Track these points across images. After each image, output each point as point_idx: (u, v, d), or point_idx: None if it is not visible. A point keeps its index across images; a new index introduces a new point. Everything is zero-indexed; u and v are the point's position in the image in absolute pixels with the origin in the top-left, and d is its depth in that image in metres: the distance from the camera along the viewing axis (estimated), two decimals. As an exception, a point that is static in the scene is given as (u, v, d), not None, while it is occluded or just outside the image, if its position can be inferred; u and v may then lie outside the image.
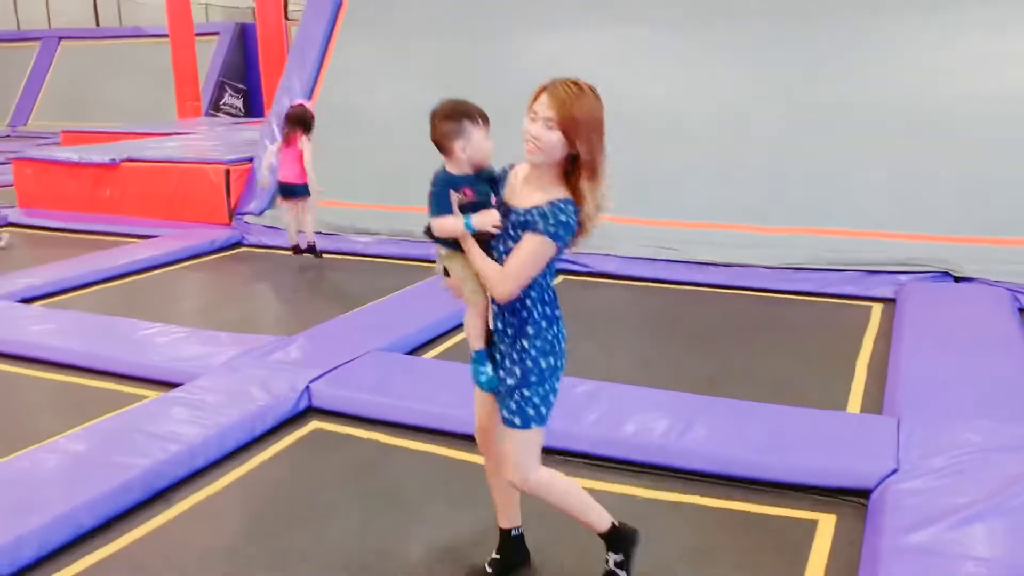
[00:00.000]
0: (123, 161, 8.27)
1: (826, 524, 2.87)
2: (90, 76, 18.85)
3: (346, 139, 7.90)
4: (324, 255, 6.74)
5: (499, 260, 2.21)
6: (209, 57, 17.59)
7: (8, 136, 17.93)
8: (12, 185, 9.22)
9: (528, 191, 2.20)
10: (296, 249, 6.56)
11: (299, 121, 6.25)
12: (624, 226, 6.56)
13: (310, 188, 6.36)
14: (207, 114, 16.37)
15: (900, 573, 2.38)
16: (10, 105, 19.48)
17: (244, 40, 18.48)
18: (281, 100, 8.35)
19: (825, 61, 6.70)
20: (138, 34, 19.15)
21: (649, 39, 7.47)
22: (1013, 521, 2.61)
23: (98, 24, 21.56)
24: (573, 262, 6.18)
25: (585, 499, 2.41)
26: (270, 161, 6.46)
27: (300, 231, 6.58)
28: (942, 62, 6.35)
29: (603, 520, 2.41)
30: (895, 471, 2.97)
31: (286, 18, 14.42)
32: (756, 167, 6.54)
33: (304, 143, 6.24)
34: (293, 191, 6.35)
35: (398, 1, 8.63)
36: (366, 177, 7.75)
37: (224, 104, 18.09)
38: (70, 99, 18.78)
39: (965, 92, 6.20)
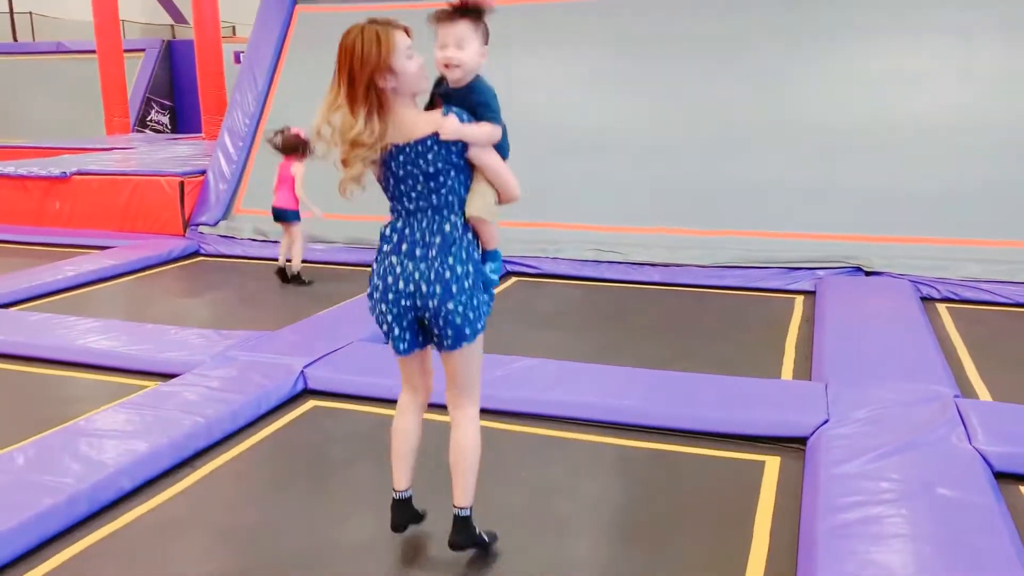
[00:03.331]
0: (74, 174, 8.39)
1: (772, 464, 3.41)
2: (9, 92, 18.47)
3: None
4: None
5: (407, 197, 2.30)
6: (135, 74, 17.52)
7: (-78, 152, 17.42)
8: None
9: (411, 122, 2.25)
10: (281, 274, 6.62)
11: (292, 148, 6.37)
12: (570, 231, 7.13)
13: (301, 212, 6.45)
14: (134, 130, 16.31)
15: (835, 492, 2.92)
16: (-75, 122, 18.91)
17: (171, 57, 18.46)
18: (233, 115, 8.63)
19: (752, 82, 7.39)
20: (59, 50, 18.87)
21: (590, 61, 8.05)
22: (920, 454, 3.19)
23: (15, 39, 21.13)
24: (525, 264, 6.67)
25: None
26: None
27: (288, 260, 6.60)
28: (853, 84, 7.10)
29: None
30: (827, 421, 3.53)
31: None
32: (689, 178, 7.17)
33: (297, 168, 6.40)
34: (284, 216, 6.49)
35: (345, 21, 8.98)
36: (319, 188, 8.07)
37: (151, 120, 18.01)
38: (-12, 115, 18.37)
39: (873, 111, 6.96)
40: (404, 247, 2.31)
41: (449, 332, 2.34)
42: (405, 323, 2.39)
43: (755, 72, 7.42)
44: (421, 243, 2.30)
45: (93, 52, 14.89)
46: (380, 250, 2.40)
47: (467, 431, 2.50)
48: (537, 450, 3.56)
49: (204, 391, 3.91)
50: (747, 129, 7.21)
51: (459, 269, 2.30)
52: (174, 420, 3.59)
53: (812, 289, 6.00)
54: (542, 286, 6.45)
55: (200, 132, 13.83)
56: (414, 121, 2.25)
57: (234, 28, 20.94)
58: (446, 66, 2.29)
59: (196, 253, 7.74)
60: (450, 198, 2.29)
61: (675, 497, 3.16)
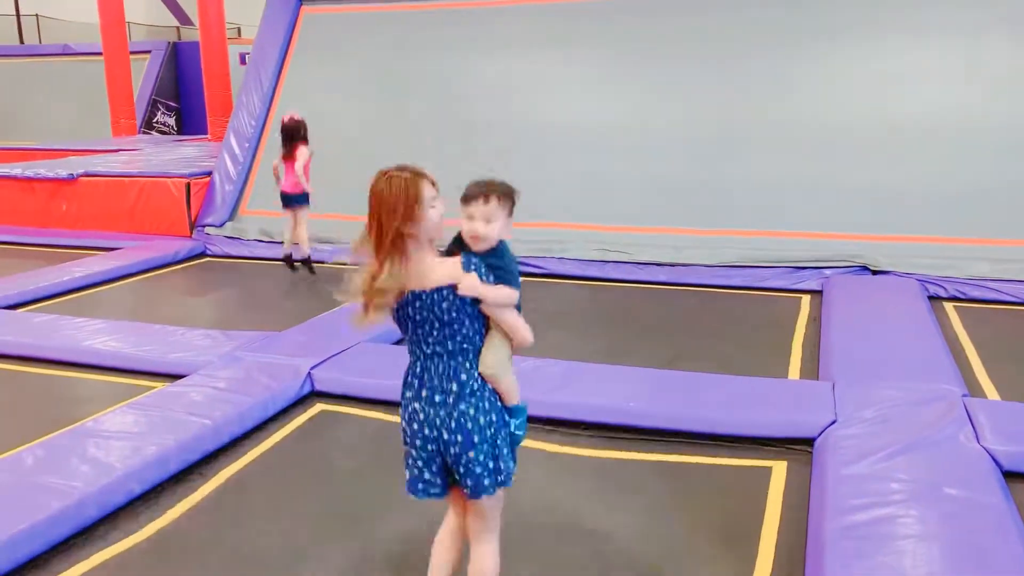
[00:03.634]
0: (81, 175, 8.42)
1: (779, 469, 3.40)
2: (15, 94, 18.54)
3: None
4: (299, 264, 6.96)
5: (427, 344, 2.29)
6: (141, 75, 17.58)
7: (-71, 154, 17.50)
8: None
9: (428, 269, 2.26)
10: (288, 260, 6.69)
11: (297, 133, 6.51)
12: (576, 231, 7.13)
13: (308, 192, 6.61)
14: (140, 132, 16.36)
15: (843, 493, 2.92)
16: (-70, 123, 18.99)
17: (176, 59, 18.52)
18: (239, 116, 8.65)
19: (756, 79, 7.39)
20: (65, 52, 18.95)
21: (597, 61, 8.05)
22: (928, 453, 3.19)
23: (22, 41, 21.21)
24: (530, 264, 6.68)
25: None
26: (276, 174, 6.71)
27: (294, 243, 6.76)
28: (860, 82, 7.09)
29: None
30: (834, 422, 3.53)
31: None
32: (695, 177, 7.16)
33: (302, 152, 6.53)
34: (292, 200, 6.61)
35: (351, 22, 9.03)
36: (323, 188, 8.09)
37: (156, 122, 18.07)
38: (-6, 117, 18.45)
39: (880, 109, 6.95)
40: (424, 393, 2.32)
41: (469, 482, 2.31)
42: (435, 467, 2.36)
43: (762, 71, 7.41)
44: (440, 390, 2.30)
45: (99, 54, 14.94)
46: (403, 395, 2.40)
47: (487, 565, 2.45)
48: (540, 460, 3.54)
49: (211, 392, 3.93)
50: (753, 128, 7.20)
51: (481, 420, 2.28)
52: (182, 422, 3.60)
53: (819, 288, 5.99)
54: (548, 286, 6.45)
55: (206, 134, 13.87)
56: (432, 268, 2.26)
57: (239, 29, 20.99)
58: (472, 238, 2.31)
59: (202, 254, 7.76)
60: (465, 345, 2.29)
61: (682, 508, 3.14)
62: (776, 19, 7.53)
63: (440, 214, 2.27)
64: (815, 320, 5.35)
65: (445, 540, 2.52)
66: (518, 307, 2.36)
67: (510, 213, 2.35)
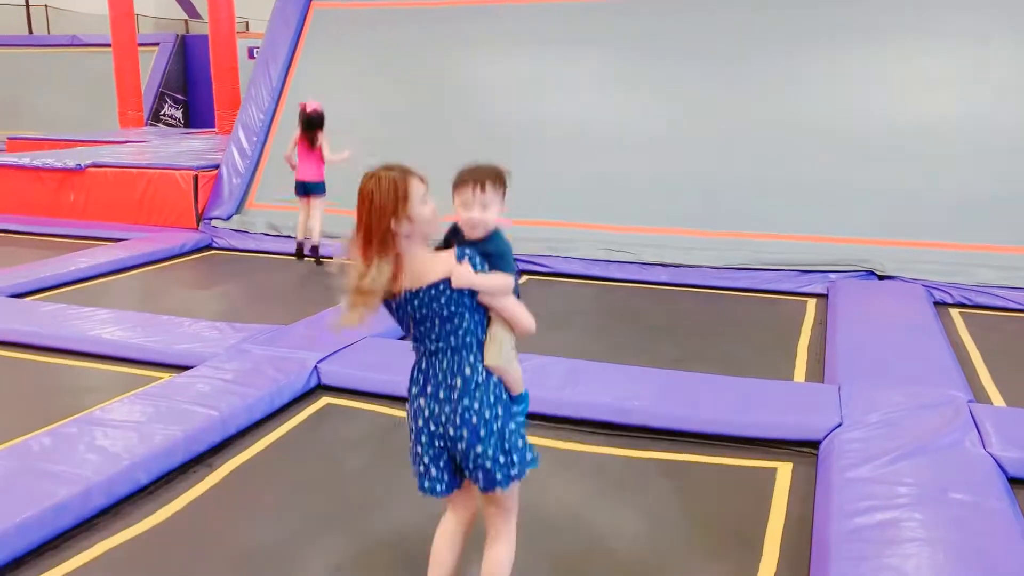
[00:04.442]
0: (89, 166, 8.44)
1: (784, 470, 3.41)
2: (23, 84, 18.58)
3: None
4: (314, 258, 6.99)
5: (441, 339, 2.28)
6: (149, 68, 17.60)
7: (-65, 143, 17.54)
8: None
9: (423, 266, 2.24)
10: (299, 250, 6.67)
11: (317, 122, 6.50)
12: (582, 231, 7.14)
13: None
14: (147, 124, 16.39)
15: (848, 496, 2.92)
16: (-64, 112, 19.03)
17: (184, 52, 18.54)
18: (248, 110, 8.66)
19: (765, 82, 7.39)
20: (73, 43, 18.98)
21: (603, 61, 8.05)
22: (934, 458, 3.19)
23: (31, 31, 21.24)
24: (536, 263, 6.68)
25: None
26: (289, 161, 6.71)
27: (306, 236, 6.77)
28: (869, 87, 7.09)
29: None
30: (839, 425, 3.53)
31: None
32: (702, 179, 7.17)
33: (323, 140, 6.52)
34: (311, 189, 6.58)
35: (360, 18, 9.04)
36: (331, 184, 8.10)
37: (164, 115, 18.10)
38: (1, 107, 18.47)
39: (885, 113, 6.96)
40: (429, 389, 2.32)
41: (480, 476, 2.30)
42: (442, 463, 2.35)
43: (771, 74, 7.41)
44: (444, 385, 2.29)
45: (108, 46, 14.97)
46: (410, 391, 2.40)
47: (500, 553, 2.43)
48: (545, 460, 3.53)
49: (218, 384, 3.94)
50: (761, 131, 7.20)
51: (487, 413, 2.27)
52: (189, 413, 3.62)
53: (824, 292, 5.98)
54: (553, 284, 6.46)
55: (212, 127, 13.89)
56: (427, 265, 2.25)
57: (247, 24, 21.00)
58: (469, 226, 2.30)
59: (209, 246, 7.77)
60: (468, 339, 2.28)
61: (686, 507, 3.14)
62: (785, 22, 7.53)
63: (433, 210, 2.25)
64: (820, 323, 5.35)
65: (444, 542, 2.49)
66: (517, 294, 2.34)
67: (503, 199, 2.33)
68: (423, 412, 2.32)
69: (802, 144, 7.05)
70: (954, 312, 5.63)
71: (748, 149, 7.18)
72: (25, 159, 8.91)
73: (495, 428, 2.28)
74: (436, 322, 2.25)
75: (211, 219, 8.15)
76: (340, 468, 3.46)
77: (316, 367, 4.24)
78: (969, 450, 3.25)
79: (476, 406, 2.26)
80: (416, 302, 2.24)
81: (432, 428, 2.31)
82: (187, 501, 3.19)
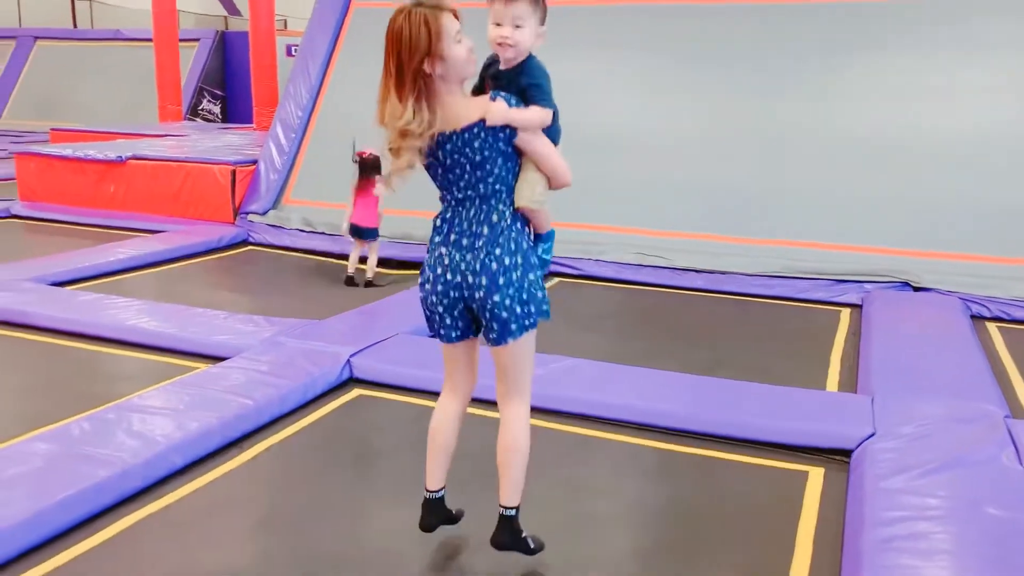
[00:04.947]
0: (130, 159, 8.58)
1: (816, 475, 3.39)
2: (66, 76, 18.93)
3: (346, 145, 8.31)
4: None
5: (473, 184, 2.22)
6: (189, 63, 17.85)
7: (-19, 133, 17.92)
8: (12, 179, 9.45)
9: (458, 109, 2.16)
10: (349, 281, 6.72)
11: (374, 168, 6.50)
12: (613, 234, 7.13)
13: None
14: (186, 118, 16.61)
15: (880, 506, 2.90)
16: (-18, 103, 19.45)
17: (224, 48, 18.78)
18: (286, 106, 8.76)
19: (802, 89, 7.33)
20: (116, 37, 19.30)
21: (641, 65, 8.04)
22: (970, 472, 3.16)
23: (75, 26, 21.64)
24: (567, 265, 6.69)
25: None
26: (348, 210, 6.70)
27: (360, 268, 6.67)
28: (906, 95, 7.01)
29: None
30: (872, 435, 3.50)
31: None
32: (737, 185, 7.13)
33: (379, 188, 6.51)
34: (367, 234, 6.60)
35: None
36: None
37: (202, 109, 18.34)
38: (45, 99, 18.82)
39: (924, 122, 6.87)
40: (452, 237, 2.27)
41: (495, 326, 2.28)
42: (456, 312, 2.35)
43: (808, 81, 7.35)
44: (469, 232, 2.25)
45: (149, 40, 15.19)
46: (432, 240, 2.37)
47: (516, 430, 2.42)
48: (577, 450, 3.57)
49: (253, 375, 3.99)
50: (798, 138, 7.15)
51: (507, 260, 2.24)
52: (224, 401, 3.67)
53: (859, 302, 5.92)
54: (583, 287, 6.46)
55: (250, 122, 14.04)
56: (461, 108, 2.18)
57: (286, 22, 21.23)
58: (500, 44, 2.22)
59: (245, 241, 7.86)
60: (498, 186, 2.22)
61: (715, 504, 3.15)
62: (824, 30, 7.47)
63: (468, 48, 2.16)
64: (855, 334, 5.30)
65: (443, 423, 2.51)
66: (556, 136, 2.26)
67: (542, 20, 2.22)
68: (443, 260, 2.28)
69: (839, 153, 6.99)
70: (991, 326, 5.55)
71: (784, 156, 7.13)
72: (68, 150, 9.07)
73: (514, 277, 2.24)
74: (467, 168, 2.18)
75: (247, 214, 8.25)
76: (370, 453, 3.53)
77: (349, 360, 4.28)
78: (1005, 465, 3.21)
79: (498, 252, 2.22)
80: (448, 146, 2.17)
81: (449, 277, 2.27)
82: (218, 475, 3.28)
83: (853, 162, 6.91)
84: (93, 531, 2.86)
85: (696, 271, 6.58)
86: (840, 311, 5.89)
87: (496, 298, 2.24)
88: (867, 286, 6.14)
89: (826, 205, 6.82)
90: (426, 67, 2.10)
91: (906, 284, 6.13)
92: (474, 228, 2.24)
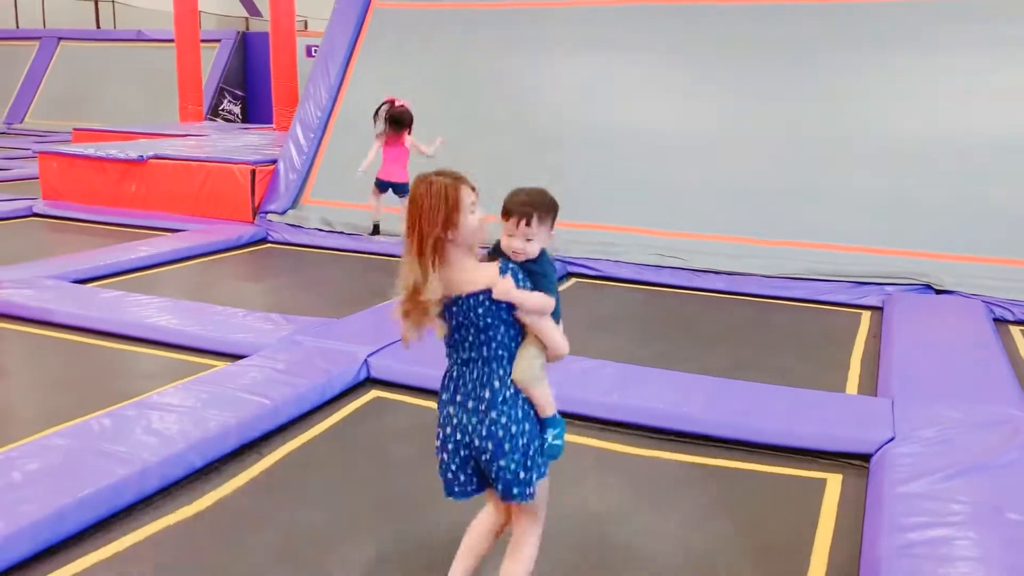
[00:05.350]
0: (151, 158, 8.65)
1: (834, 482, 3.36)
2: (89, 77, 19.13)
3: (365, 144, 8.35)
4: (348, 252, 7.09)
5: (474, 348, 2.29)
6: (210, 64, 18.00)
7: (5, 133, 18.15)
8: (35, 178, 9.55)
9: (467, 274, 2.26)
10: (375, 230, 6.64)
11: (405, 120, 6.45)
12: (632, 235, 7.11)
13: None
14: (206, 118, 16.73)
15: (900, 511, 2.87)
16: (6, 103, 19.70)
17: (244, 49, 18.91)
18: (306, 107, 8.81)
19: (823, 90, 7.29)
20: (139, 38, 19.49)
21: (656, 66, 8.02)
22: (992, 476, 3.11)
23: (99, 26, 21.86)
24: (585, 266, 6.68)
25: None
26: (371, 158, 6.69)
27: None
28: (932, 98, 6.95)
29: None
30: (892, 439, 3.47)
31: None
32: (757, 186, 7.09)
33: (409, 141, 6.49)
34: (397, 188, 6.55)
35: (419, 19, 9.13)
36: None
37: (222, 110, 18.49)
38: (68, 99, 19.04)
39: (946, 124, 6.81)
40: (458, 398, 2.34)
41: (499, 487, 2.34)
42: (469, 470, 2.38)
43: (829, 82, 7.30)
44: (473, 395, 2.31)
45: (171, 41, 15.31)
46: (440, 399, 2.44)
47: (521, 550, 2.44)
48: (592, 461, 3.54)
49: (271, 373, 4.01)
50: (819, 140, 7.10)
51: (513, 428, 2.29)
52: (242, 400, 3.69)
53: (879, 305, 5.87)
54: (602, 288, 6.44)
55: (269, 123, 14.14)
56: (469, 273, 2.27)
57: (306, 22, 21.36)
58: (513, 253, 2.32)
59: (264, 240, 7.90)
60: (500, 352, 2.30)
61: (733, 515, 3.12)
62: (845, 30, 7.42)
63: (480, 220, 2.28)
64: (875, 337, 5.25)
65: (480, 528, 2.53)
66: (557, 317, 2.36)
67: (551, 226, 2.37)
68: (451, 420, 2.35)
69: (860, 154, 6.93)
70: (1014, 330, 5.49)
71: (805, 158, 7.08)
72: (90, 150, 9.16)
73: (520, 444, 2.30)
74: (472, 331, 2.27)
75: (267, 213, 8.30)
76: (387, 459, 3.51)
77: (366, 360, 4.29)
78: (1028, 470, 3.17)
79: (503, 420, 2.27)
80: (455, 309, 2.26)
81: (459, 437, 2.33)
82: (237, 485, 3.26)
83: (874, 164, 6.85)
84: (108, 539, 2.87)
85: (715, 273, 6.55)
86: (861, 314, 5.83)
87: (501, 463, 2.30)
88: (888, 288, 6.09)
89: (847, 207, 6.77)
90: (440, 233, 2.20)
91: (928, 287, 6.07)
92: (477, 391, 2.31)
